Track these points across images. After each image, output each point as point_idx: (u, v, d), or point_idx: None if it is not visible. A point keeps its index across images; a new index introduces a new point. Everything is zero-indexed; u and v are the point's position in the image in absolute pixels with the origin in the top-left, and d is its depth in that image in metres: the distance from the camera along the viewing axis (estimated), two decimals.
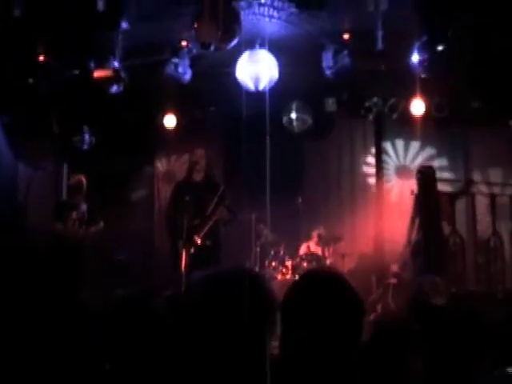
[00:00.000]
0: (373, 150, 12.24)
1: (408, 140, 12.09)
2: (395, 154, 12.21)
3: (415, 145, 12.08)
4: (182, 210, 8.69)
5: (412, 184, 9.98)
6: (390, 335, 3.39)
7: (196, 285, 2.38)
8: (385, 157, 12.22)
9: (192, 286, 2.46)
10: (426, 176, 9.46)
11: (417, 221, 9.65)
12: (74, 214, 9.71)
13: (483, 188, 9.59)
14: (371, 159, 12.28)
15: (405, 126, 11.37)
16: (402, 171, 11.96)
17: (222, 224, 9.13)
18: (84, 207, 9.79)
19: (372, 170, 12.24)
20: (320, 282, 2.43)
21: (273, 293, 2.42)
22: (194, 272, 8.50)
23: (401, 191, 11.72)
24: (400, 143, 12.20)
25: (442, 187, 10.34)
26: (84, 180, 9.91)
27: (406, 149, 12.16)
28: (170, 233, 9.16)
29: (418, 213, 9.61)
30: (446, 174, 11.47)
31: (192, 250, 8.65)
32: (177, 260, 8.72)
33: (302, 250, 11.05)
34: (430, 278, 5.65)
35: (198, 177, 9.17)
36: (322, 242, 10.98)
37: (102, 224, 9.89)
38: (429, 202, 9.35)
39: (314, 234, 11.09)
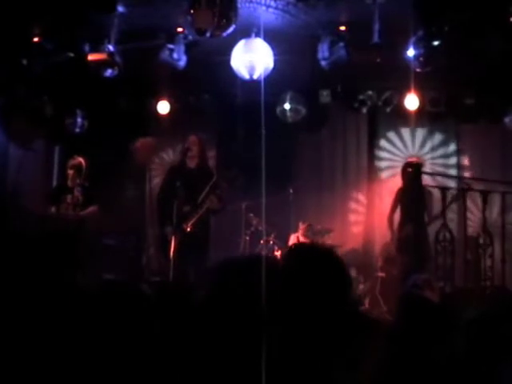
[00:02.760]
0: (366, 144, 12.24)
1: (401, 133, 12.09)
2: (389, 147, 12.21)
3: (408, 138, 12.09)
4: (173, 195, 8.69)
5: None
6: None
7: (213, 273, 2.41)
8: (377, 150, 12.23)
9: (209, 274, 2.49)
10: (413, 169, 9.49)
11: (399, 215, 9.71)
12: (69, 198, 9.68)
13: (475, 184, 9.58)
14: (364, 153, 12.27)
15: (398, 119, 11.38)
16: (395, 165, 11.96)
17: (212, 212, 9.12)
18: (79, 191, 9.75)
19: (364, 163, 12.24)
20: (305, 254, 2.45)
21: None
22: (182, 259, 8.54)
23: (393, 184, 11.72)
24: (393, 136, 12.19)
25: (433, 182, 10.36)
26: (83, 162, 9.86)
27: (401, 142, 12.16)
28: (159, 218, 9.15)
29: (403, 206, 9.66)
30: (440, 170, 11.48)
31: (180, 237, 8.63)
32: (165, 246, 8.71)
33: (292, 240, 11.06)
34: (423, 276, 5.69)
35: (191, 163, 9.15)
36: (311, 233, 10.98)
37: (96, 208, 9.88)
38: (413, 196, 9.39)
39: (301, 226, 11.09)
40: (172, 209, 8.61)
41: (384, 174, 12.14)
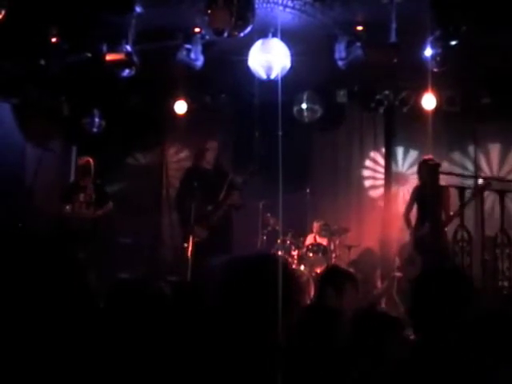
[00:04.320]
0: (382, 143, 12.19)
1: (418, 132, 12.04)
2: (403, 149, 12.17)
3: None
4: (192, 195, 8.71)
5: None
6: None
7: (219, 269, 2.40)
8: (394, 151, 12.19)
9: (214, 271, 2.49)
10: (430, 167, 9.43)
11: (416, 214, 9.66)
12: (82, 197, 9.73)
13: (493, 184, 9.53)
14: (380, 153, 12.23)
15: (415, 119, 11.33)
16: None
17: (234, 209, 9.14)
18: (92, 189, 9.81)
19: (381, 163, 12.20)
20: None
21: (297, 280, 2.44)
22: (205, 258, 8.54)
23: (410, 183, 11.68)
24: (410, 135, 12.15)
25: (452, 181, 10.30)
26: (91, 161, 9.93)
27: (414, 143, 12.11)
28: (180, 217, 9.13)
29: (420, 205, 9.61)
30: (457, 169, 11.43)
31: (204, 235, 8.65)
32: (184, 245, 8.71)
33: (309, 240, 11.06)
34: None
35: (207, 165, 9.15)
36: (327, 232, 10.97)
37: (111, 205, 9.92)
38: (431, 195, 9.33)
39: (315, 225, 11.09)
40: (190, 208, 8.64)
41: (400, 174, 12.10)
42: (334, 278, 5.15)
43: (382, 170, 12.12)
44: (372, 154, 12.33)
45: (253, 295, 2.27)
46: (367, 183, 12.34)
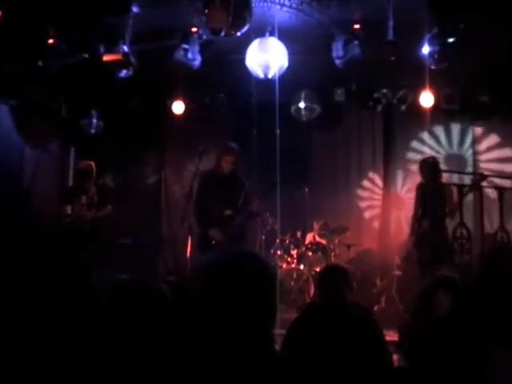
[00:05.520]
0: (381, 141, 12.19)
1: (417, 131, 12.04)
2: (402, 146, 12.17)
3: (424, 136, 12.04)
4: (212, 199, 8.70)
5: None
6: None
7: (201, 268, 2.38)
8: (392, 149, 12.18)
9: (197, 269, 2.46)
10: (430, 166, 9.42)
11: (420, 211, 9.63)
12: (84, 199, 9.73)
13: (490, 181, 9.56)
14: (379, 151, 12.23)
15: (413, 117, 11.33)
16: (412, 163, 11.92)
17: (250, 217, 9.09)
18: (93, 191, 9.80)
19: (379, 161, 12.20)
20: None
21: (274, 278, 2.41)
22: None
23: (408, 183, 11.69)
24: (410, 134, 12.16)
25: (450, 178, 10.30)
26: (93, 166, 9.92)
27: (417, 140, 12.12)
28: (199, 221, 9.02)
29: (421, 203, 9.58)
30: (455, 167, 11.43)
31: (220, 238, 8.63)
32: (207, 247, 8.62)
33: (308, 239, 11.06)
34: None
35: (226, 170, 9.02)
36: (326, 232, 10.98)
37: (110, 208, 9.91)
38: (431, 192, 9.32)
39: (315, 225, 11.10)
40: (211, 211, 8.66)
41: (399, 173, 12.11)
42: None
43: (381, 168, 12.12)
44: (371, 152, 12.32)
45: (227, 294, 2.25)
46: (366, 182, 12.33)
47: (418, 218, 9.57)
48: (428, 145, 11.94)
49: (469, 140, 11.74)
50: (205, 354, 2.21)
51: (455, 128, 11.81)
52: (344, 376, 2.25)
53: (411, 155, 11.96)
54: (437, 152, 11.54)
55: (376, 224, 12.03)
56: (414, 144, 12.05)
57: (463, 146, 11.79)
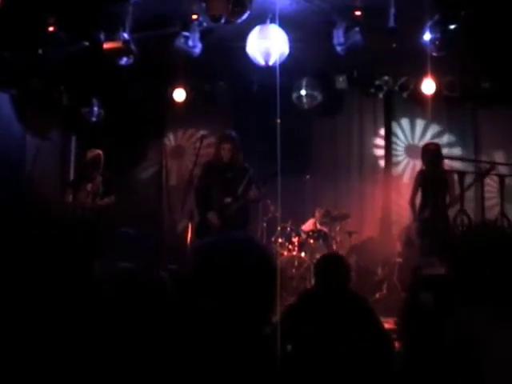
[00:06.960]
0: (382, 129, 12.18)
1: (415, 118, 12.03)
2: (403, 133, 12.15)
3: (423, 123, 12.03)
4: (212, 186, 8.70)
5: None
6: None
7: (199, 252, 2.37)
8: (394, 137, 12.18)
9: (195, 253, 2.42)
10: (431, 152, 9.39)
11: (420, 198, 9.62)
12: (89, 186, 9.70)
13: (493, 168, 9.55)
14: (380, 139, 12.22)
15: (415, 104, 11.32)
16: (411, 150, 11.90)
17: (251, 202, 9.08)
18: (99, 180, 9.78)
19: (381, 149, 12.19)
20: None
21: (275, 266, 2.38)
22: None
23: (410, 171, 11.69)
24: (407, 122, 12.14)
25: (452, 165, 10.28)
26: (102, 155, 9.88)
27: (414, 127, 12.11)
28: (198, 206, 9.02)
29: (423, 190, 9.56)
30: (456, 151, 11.44)
31: (216, 223, 8.63)
32: (205, 232, 8.62)
33: (308, 225, 11.06)
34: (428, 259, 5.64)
35: (225, 157, 8.99)
36: (328, 218, 10.99)
37: (113, 198, 9.89)
38: (433, 179, 9.30)
39: (317, 213, 11.09)
40: (212, 198, 8.67)
41: (401, 159, 12.10)
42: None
43: (382, 157, 12.12)
44: (372, 138, 12.31)
45: (225, 279, 2.24)
46: (367, 169, 12.31)
47: (420, 206, 9.56)
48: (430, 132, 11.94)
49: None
50: (203, 341, 2.21)
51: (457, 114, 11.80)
52: (337, 360, 2.26)
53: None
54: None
55: (378, 211, 12.03)
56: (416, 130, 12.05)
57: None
